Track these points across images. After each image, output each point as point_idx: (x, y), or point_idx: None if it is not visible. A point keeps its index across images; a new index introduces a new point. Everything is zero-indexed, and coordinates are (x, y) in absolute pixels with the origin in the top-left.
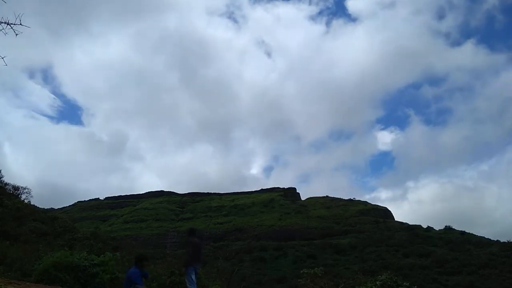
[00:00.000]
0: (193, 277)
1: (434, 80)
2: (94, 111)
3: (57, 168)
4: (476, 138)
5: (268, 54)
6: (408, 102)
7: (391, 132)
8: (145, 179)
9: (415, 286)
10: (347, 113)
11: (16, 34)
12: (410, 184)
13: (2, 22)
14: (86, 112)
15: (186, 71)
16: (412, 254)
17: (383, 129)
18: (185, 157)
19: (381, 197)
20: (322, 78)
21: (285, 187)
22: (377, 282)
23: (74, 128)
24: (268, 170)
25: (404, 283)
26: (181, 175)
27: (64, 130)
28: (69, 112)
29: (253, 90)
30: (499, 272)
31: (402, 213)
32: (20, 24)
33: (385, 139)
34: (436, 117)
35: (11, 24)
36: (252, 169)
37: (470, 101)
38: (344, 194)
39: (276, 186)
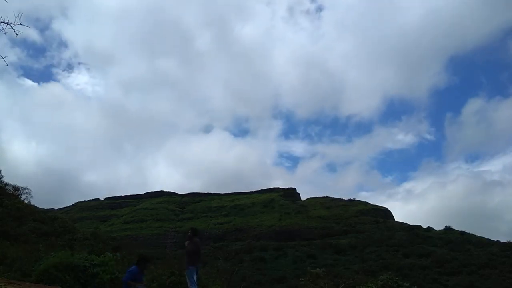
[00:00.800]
0: (195, 277)
1: None
2: (110, 77)
3: (60, 154)
4: None
5: (317, 8)
6: (483, 62)
7: (449, 112)
8: (159, 170)
9: (415, 286)
10: (408, 81)
11: (17, 34)
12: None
13: (2, 22)
14: (102, 79)
15: (220, 29)
16: (412, 254)
17: (442, 108)
18: (206, 144)
19: (416, 189)
20: (382, 35)
21: (285, 187)
22: (378, 282)
23: (87, 99)
24: (295, 161)
25: (404, 283)
26: (198, 167)
27: (78, 100)
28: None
29: (296, 56)
30: (499, 272)
31: (430, 206)
32: (20, 23)
33: (439, 123)
34: (507, 83)
35: (11, 24)
36: (278, 161)
37: None
38: (375, 185)
39: (276, 187)
